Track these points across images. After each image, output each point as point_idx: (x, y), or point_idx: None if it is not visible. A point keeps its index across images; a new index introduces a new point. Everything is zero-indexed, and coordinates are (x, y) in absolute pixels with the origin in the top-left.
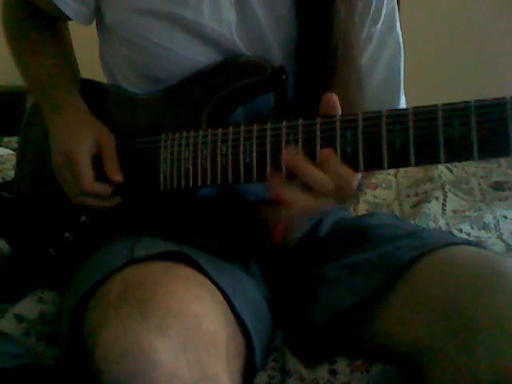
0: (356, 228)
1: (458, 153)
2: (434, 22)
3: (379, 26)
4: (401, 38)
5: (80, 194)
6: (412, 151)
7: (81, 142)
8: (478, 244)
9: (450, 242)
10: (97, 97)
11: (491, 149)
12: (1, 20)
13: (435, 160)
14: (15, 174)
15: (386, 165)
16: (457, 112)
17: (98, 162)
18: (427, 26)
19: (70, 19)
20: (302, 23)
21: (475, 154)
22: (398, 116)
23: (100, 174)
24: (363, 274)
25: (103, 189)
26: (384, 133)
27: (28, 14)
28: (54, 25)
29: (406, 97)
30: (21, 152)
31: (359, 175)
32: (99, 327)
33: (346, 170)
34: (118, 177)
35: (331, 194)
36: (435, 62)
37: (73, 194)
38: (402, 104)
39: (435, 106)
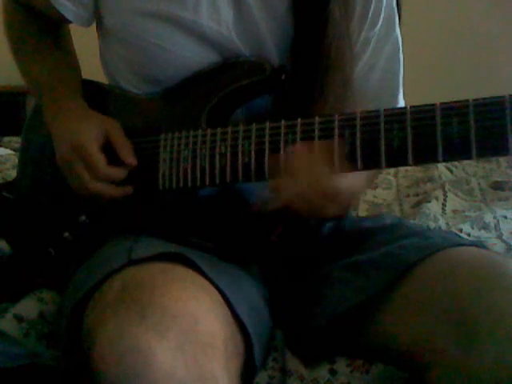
0: (359, 229)
1: (456, 152)
2: (433, 22)
3: (377, 29)
4: (400, 41)
5: (93, 181)
6: (410, 150)
7: (87, 132)
8: (481, 245)
9: (454, 243)
10: (98, 97)
11: (490, 147)
12: (2, 23)
13: (433, 159)
14: (17, 175)
15: (383, 164)
16: (455, 111)
17: (105, 151)
18: (427, 25)
19: (70, 22)
20: (298, 23)
21: (473, 152)
22: (396, 115)
23: (109, 163)
24: (367, 275)
25: (117, 172)
26: (382, 132)
27: (29, 17)
28: (54, 27)
29: (405, 99)
30: (23, 153)
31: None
32: (97, 328)
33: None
34: (132, 159)
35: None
36: (433, 61)
37: (83, 182)
38: None
39: (433, 104)
